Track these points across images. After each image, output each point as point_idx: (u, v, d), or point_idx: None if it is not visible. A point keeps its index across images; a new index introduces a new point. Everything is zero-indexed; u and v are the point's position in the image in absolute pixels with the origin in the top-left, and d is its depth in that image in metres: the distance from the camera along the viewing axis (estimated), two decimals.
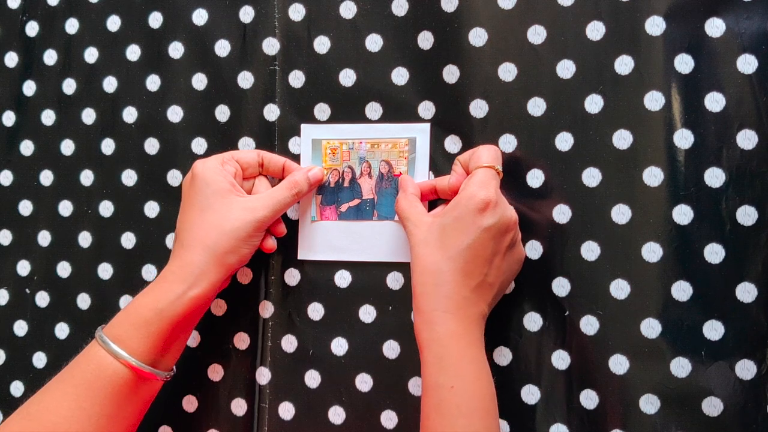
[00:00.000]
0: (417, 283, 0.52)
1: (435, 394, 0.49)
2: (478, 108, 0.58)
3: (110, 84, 0.65)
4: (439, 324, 0.50)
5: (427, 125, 0.59)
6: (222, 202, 0.55)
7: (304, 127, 0.61)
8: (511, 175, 0.57)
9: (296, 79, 0.61)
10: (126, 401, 0.52)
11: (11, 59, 0.68)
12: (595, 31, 0.56)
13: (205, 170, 0.56)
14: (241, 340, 0.62)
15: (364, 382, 0.59)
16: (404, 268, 0.59)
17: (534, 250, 0.56)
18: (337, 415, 0.59)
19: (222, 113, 0.63)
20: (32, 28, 0.68)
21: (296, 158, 0.61)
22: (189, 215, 0.55)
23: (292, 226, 0.61)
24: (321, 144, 0.61)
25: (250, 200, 0.56)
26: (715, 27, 0.54)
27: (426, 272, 0.51)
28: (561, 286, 0.56)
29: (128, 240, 0.64)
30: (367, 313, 0.59)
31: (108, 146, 0.65)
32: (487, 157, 0.54)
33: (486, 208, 0.51)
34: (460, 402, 0.48)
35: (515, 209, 0.56)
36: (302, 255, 0.61)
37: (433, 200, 0.58)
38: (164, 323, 0.53)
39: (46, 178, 0.66)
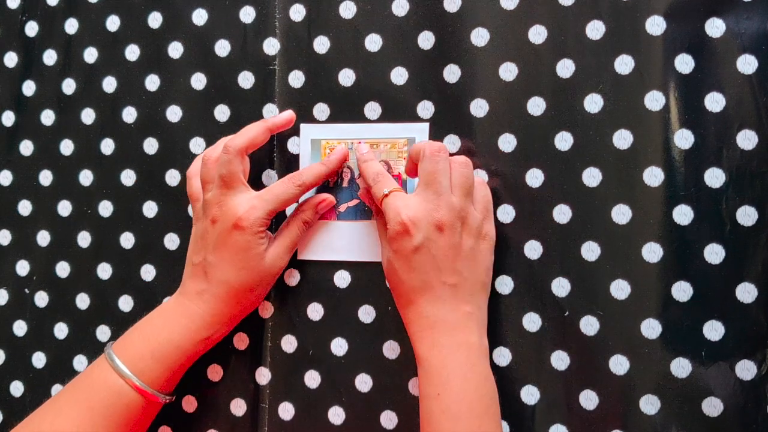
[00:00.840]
0: (398, 307, 0.55)
1: (425, 404, 0.51)
2: (479, 107, 0.58)
3: (110, 84, 0.65)
4: (419, 342, 0.52)
5: (426, 125, 0.59)
6: (258, 264, 0.56)
7: (303, 127, 0.61)
8: (511, 174, 0.57)
9: (296, 79, 0.61)
10: (137, 424, 0.55)
11: (11, 59, 0.68)
12: (595, 30, 0.56)
13: (251, 236, 0.55)
14: (241, 341, 0.61)
15: (363, 383, 0.59)
16: None
17: (534, 250, 0.56)
18: (336, 415, 0.59)
19: (222, 113, 0.63)
20: (32, 28, 0.67)
21: (295, 158, 0.61)
22: (225, 269, 0.56)
23: None
24: (320, 144, 0.61)
25: (275, 252, 0.58)
26: (715, 27, 0.54)
27: (398, 298, 0.54)
28: (561, 287, 0.56)
29: (127, 240, 0.64)
30: (367, 314, 0.59)
31: (107, 146, 0.65)
32: (379, 185, 0.55)
33: (405, 231, 0.52)
34: (445, 408, 0.49)
35: (515, 210, 0.56)
36: (302, 255, 0.61)
37: None
38: (184, 359, 0.56)
39: (46, 178, 0.66)
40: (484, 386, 0.51)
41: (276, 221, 0.60)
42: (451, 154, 0.58)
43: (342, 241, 0.60)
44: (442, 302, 0.52)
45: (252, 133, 0.58)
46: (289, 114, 0.60)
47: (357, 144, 0.59)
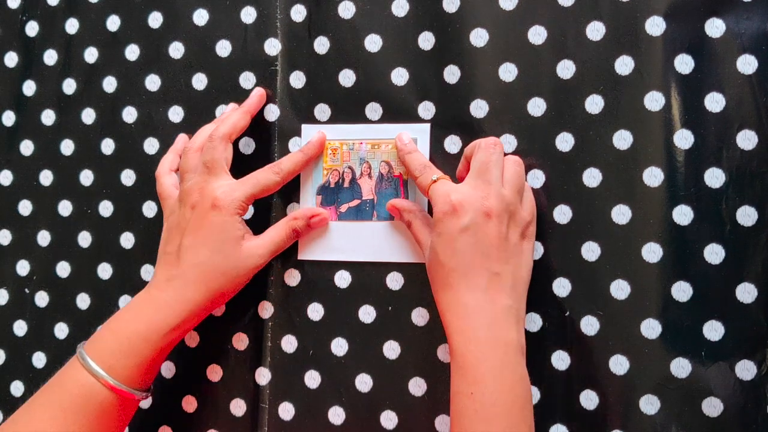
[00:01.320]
0: (434, 292, 0.53)
1: (457, 401, 0.49)
2: (479, 108, 0.58)
3: (110, 84, 0.65)
4: (455, 334, 0.50)
5: (427, 126, 0.59)
6: (233, 249, 0.56)
7: (305, 128, 0.61)
8: None
9: (297, 79, 0.61)
10: (113, 422, 0.54)
11: (11, 59, 0.68)
12: (595, 31, 0.56)
13: (228, 217, 0.55)
14: (241, 341, 0.61)
15: (364, 383, 0.59)
16: (404, 268, 0.59)
17: (534, 250, 0.56)
18: (337, 415, 0.59)
19: (223, 114, 0.63)
20: (32, 28, 0.68)
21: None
22: (199, 250, 0.55)
23: None
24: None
25: (255, 245, 0.57)
26: (715, 27, 0.54)
27: (435, 282, 0.53)
28: (561, 287, 0.56)
29: (127, 240, 0.64)
30: (367, 314, 0.59)
31: (108, 146, 0.65)
32: (426, 174, 0.55)
33: (454, 211, 0.51)
34: (478, 408, 0.48)
35: None
36: (302, 255, 0.61)
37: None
38: (155, 352, 0.54)
39: (46, 178, 0.66)
40: (520, 387, 0.49)
41: (264, 225, 0.60)
42: (453, 155, 0.58)
43: (342, 241, 0.60)
44: (483, 291, 0.50)
45: (234, 119, 0.58)
46: (258, 91, 0.61)
47: (399, 133, 0.59)
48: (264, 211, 0.61)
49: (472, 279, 0.50)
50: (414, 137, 0.59)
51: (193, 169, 0.57)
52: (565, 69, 0.56)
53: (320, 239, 0.60)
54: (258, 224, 0.60)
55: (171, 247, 0.57)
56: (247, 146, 0.62)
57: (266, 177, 0.57)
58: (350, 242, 0.60)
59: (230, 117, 0.59)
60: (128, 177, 0.65)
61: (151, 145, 0.64)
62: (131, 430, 0.62)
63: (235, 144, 0.62)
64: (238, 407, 0.61)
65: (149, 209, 0.64)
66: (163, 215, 0.59)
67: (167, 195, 0.59)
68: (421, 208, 0.58)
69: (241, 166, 0.62)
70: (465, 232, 0.50)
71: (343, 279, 0.60)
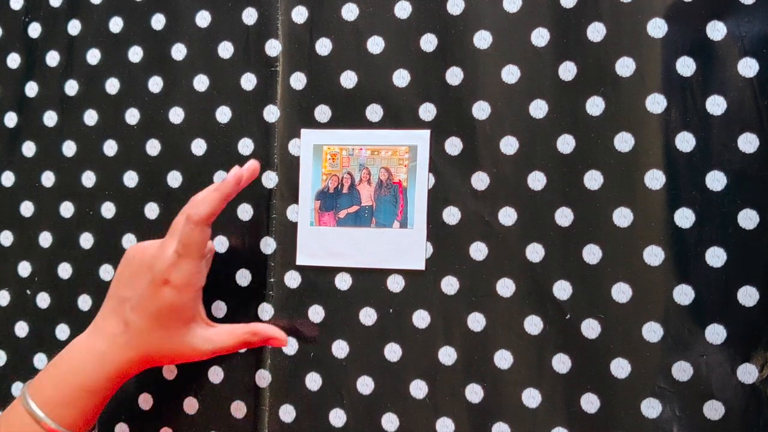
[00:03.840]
0: None
1: None
2: (481, 110, 0.58)
3: (112, 85, 0.65)
4: None
5: (427, 132, 0.59)
6: (177, 332, 0.55)
7: (305, 132, 0.61)
8: (513, 177, 0.57)
9: (297, 80, 0.61)
10: None
11: (13, 60, 0.68)
12: (596, 32, 0.56)
13: (184, 298, 0.55)
14: None
15: (365, 385, 0.59)
16: (405, 271, 0.59)
17: (535, 253, 0.56)
18: (337, 417, 0.59)
19: (223, 115, 0.63)
20: (34, 30, 0.68)
21: (296, 160, 0.61)
22: (145, 322, 0.55)
23: (292, 229, 0.61)
24: (321, 149, 0.61)
25: (200, 338, 0.56)
26: (716, 30, 0.54)
27: None
28: (562, 290, 0.56)
29: (129, 241, 0.64)
30: (368, 316, 0.59)
31: (110, 147, 0.65)
32: None
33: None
34: None
35: (517, 213, 0.56)
36: (300, 260, 0.61)
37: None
38: (98, 401, 0.55)
39: (48, 179, 0.66)
40: None
41: (263, 227, 0.60)
42: (454, 157, 0.58)
43: (341, 247, 0.60)
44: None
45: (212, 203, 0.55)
46: (252, 165, 0.58)
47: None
48: (264, 211, 0.61)
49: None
50: (414, 144, 0.59)
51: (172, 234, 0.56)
52: (567, 71, 0.56)
53: (318, 244, 0.60)
54: (258, 224, 0.60)
55: (125, 293, 0.56)
56: (247, 147, 0.62)
57: (190, 233, 0.54)
58: (348, 248, 0.60)
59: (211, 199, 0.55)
60: (130, 178, 0.65)
61: (153, 147, 0.64)
62: (132, 431, 0.62)
63: (235, 145, 0.62)
64: (238, 409, 0.61)
65: (151, 211, 0.64)
66: (144, 243, 0.59)
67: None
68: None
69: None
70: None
71: (343, 281, 0.60)
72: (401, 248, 0.59)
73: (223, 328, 0.58)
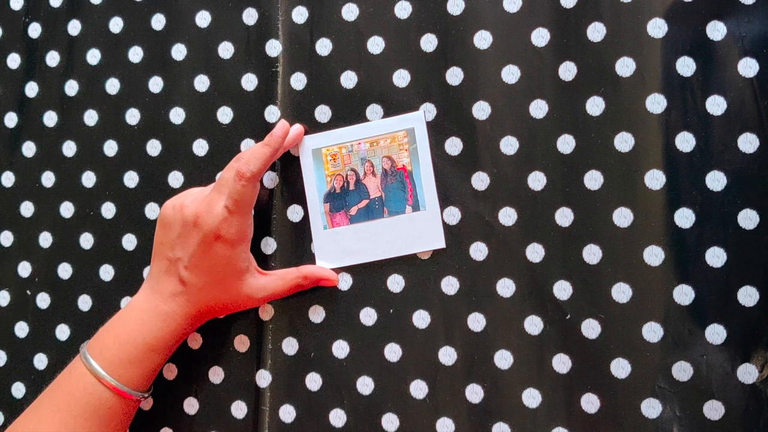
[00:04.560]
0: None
1: None
2: (481, 110, 0.58)
3: (113, 86, 0.66)
4: None
5: (422, 113, 0.59)
6: (233, 284, 0.57)
7: (303, 139, 0.61)
8: (513, 177, 0.57)
9: (298, 81, 0.61)
10: (119, 425, 0.56)
11: (13, 60, 0.68)
12: (596, 32, 0.56)
13: (231, 250, 0.56)
14: (242, 343, 0.61)
15: (365, 385, 0.59)
16: (405, 269, 0.59)
17: (535, 253, 0.56)
18: (338, 418, 0.59)
19: (224, 115, 0.63)
20: (35, 30, 0.68)
21: (296, 160, 0.61)
22: (201, 278, 0.56)
23: (292, 229, 0.61)
24: (321, 152, 0.61)
25: (255, 287, 0.58)
26: (716, 30, 0.54)
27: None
28: (562, 290, 0.56)
29: (129, 242, 0.64)
30: (368, 316, 0.59)
31: (110, 148, 0.65)
32: None
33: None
34: None
35: (517, 213, 0.56)
36: (320, 263, 0.60)
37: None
38: (160, 360, 0.57)
39: (48, 179, 0.66)
40: None
41: (264, 225, 0.60)
42: (454, 157, 0.58)
43: (358, 244, 0.60)
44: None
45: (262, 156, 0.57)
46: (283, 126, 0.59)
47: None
48: (263, 213, 0.61)
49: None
50: (411, 126, 0.59)
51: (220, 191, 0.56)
52: (567, 71, 0.56)
53: (334, 246, 0.60)
54: (258, 224, 0.60)
55: (174, 254, 0.57)
56: (248, 147, 0.62)
57: (240, 188, 0.55)
58: (366, 243, 0.59)
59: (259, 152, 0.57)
60: (131, 179, 0.65)
61: (153, 147, 0.64)
62: (133, 431, 0.62)
63: (236, 145, 0.62)
64: (239, 409, 0.61)
65: (152, 211, 0.64)
66: (177, 201, 0.58)
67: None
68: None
69: None
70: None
71: (343, 281, 0.60)
72: (418, 231, 0.59)
73: (275, 274, 0.59)
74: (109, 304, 0.64)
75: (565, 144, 0.56)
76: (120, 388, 0.54)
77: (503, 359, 0.57)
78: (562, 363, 0.56)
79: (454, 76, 0.58)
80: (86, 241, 0.65)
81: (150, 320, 0.56)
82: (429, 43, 0.59)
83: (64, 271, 0.66)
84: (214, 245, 0.55)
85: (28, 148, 0.67)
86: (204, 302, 0.57)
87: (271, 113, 0.62)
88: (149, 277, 0.58)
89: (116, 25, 0.66)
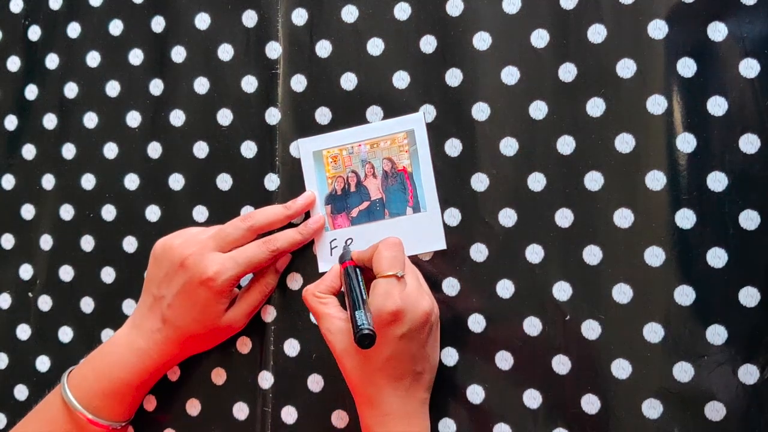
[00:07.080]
0: (355, 396, 0.54)
1: None
2: (480, 111, 0.58)
3: (113, 88, 0.65)
4: (374, 425, 0.52)
5: (421, 114, 0.59)
6: (213, 322, 0.58)
7: (302, 142, 0.61)
8: (513, 178, 0.57)
9: (298, 83, 0.61)
10: None
11: (13, 63, 0.68)
12: (597, 34, 0.56)
13: (214, 295, 0.57)
14: (244, 344, 0.62)
15: None
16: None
17: (535, 254, 0.56)
18: (340, 419, 0.59)
19: (224, 117, 0.63)
20: (34, 32, 0.68)
21: (297, 162, 0.61)
22: (182, 316, 0.57)
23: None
24: (321, 154, 0.60)
25: (232, 316, 0.59)
26: (717, 31, 0.53)
27: (357, 389, 0.53)
28: (562, 290, 0.56)
29: (130, 244, 0.64)
30: None
31: (110, 150, 0.65)
32: (387, 263, 0.54)
33: (395, 320, 0.51)
34: None
35: (516, 214, 0.56)
36: (323, 267, 0.60)
37: None
38: (136, 393, 0.59)
39: (48, 181, 0.67)
40: None
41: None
42: (453, 158, 0.58)
43: (361, 246, 0.59)
44: (405, 390, 0.53)
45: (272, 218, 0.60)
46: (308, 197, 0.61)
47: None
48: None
49: (398, 381, 0.52)
50: (411, 128, 0.59)
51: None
52: (567, 72, 0.56)
53: (338, 249, 0.60)
54: None
55: (159, 291, 0.58)
56: (249, 150, 0.62)
57: (259, 255, 0.58)
58: (368, 245, 0.59)
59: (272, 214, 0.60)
60: (131, 181, 0.65)
61: (153, 150, 0.64)
62: None
63: (237, 147, 0.62)
64: (241, 411, 0.61)
65: (152, 213, 0.64)
66: (168, 240, 0.59)
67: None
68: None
69: (242, 170, 0.62)
70: (403, 338, 0.52)
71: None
72: (419, 233, 0.59)
73: (239, 297, 0.60)
74: (110, 306, 0.64)
75: (565, 145, 0.56)
76: (95, 420, 0.56)
77: (504, 360, 0.57)
78: (562, 364, 0.56)
79: (454, 77, 0.58)
80: (87, 243, 0.65)
81: (126, 355, 0.58)
82: (428, 44, 0.59)
83: (66, 273, 0.66)
84: (198, 289, 0.56)
85: (28, 151, 0.67)
86: (183, 339, 0.58)
87: (272, 115, 0.62)
88: (135, 310, 0.60)
89: (116, 27, 0.66)
